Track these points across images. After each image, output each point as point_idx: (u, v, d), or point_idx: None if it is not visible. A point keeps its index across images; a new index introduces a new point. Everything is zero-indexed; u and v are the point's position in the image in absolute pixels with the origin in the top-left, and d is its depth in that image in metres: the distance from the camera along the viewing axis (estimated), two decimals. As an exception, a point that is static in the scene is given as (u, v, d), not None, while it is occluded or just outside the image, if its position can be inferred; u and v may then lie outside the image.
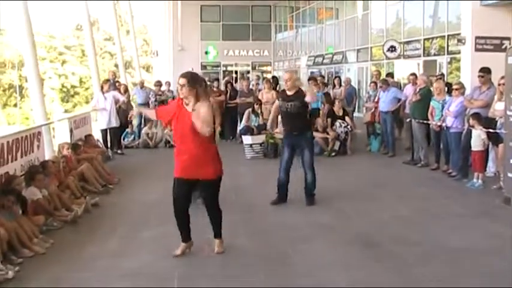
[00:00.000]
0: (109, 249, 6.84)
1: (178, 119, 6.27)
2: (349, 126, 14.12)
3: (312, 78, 17.64)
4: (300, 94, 8.72)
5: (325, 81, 20.89)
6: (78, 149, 11.29)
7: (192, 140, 6.18)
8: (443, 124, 11.10)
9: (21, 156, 8.71)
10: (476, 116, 10.13)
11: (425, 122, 11.86)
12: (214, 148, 6.39)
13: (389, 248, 6.73)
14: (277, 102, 9.18)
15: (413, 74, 14.83)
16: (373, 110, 14.67)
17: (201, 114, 6.04)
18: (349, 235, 7.28)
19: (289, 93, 8.69)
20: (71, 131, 12.70)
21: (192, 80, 6.23)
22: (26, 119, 51.70)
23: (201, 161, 6.22)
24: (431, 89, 12.19)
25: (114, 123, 14.33)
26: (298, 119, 8.66)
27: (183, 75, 6.25)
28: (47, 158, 9.93)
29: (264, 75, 39.42)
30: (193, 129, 6.10)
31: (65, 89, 63.58)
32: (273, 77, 23.65)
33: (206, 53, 41.73)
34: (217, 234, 6.63)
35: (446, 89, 11.96)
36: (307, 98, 8.53)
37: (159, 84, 18.34)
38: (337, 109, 14.48)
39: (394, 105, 13.64)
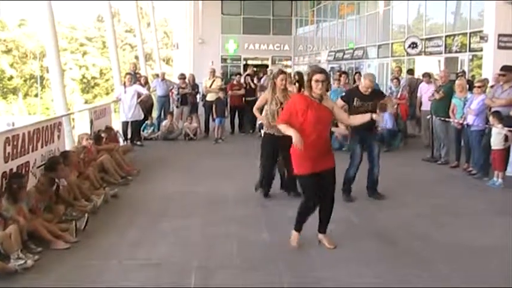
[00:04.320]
0: (128, 240, 6.86)
1: (316, 112, 6.16)
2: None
3: (343, 73, 17.23)
4: (376, 94, 9.09)
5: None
6: (101, 140, 11.33)
7: (326, 131, 6.43)
8: (465, 122, 11.00)
9: (42, 146, 8.72)
10: (497, 114, 10.05)
11: (447, 119, 11.75)
12: None
13: (410, 245, 6.69)
14: (340, 101, 8.89)
15: (427, 75, 14.80)
16: (395, 106, 14.62)
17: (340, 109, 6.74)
18: (370, 231, 7.26)
19: (365, 92, 8.84)
20: (91, 122, 12.76)
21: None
22: (47, 109, 52.23)
23: (327, 151, 6.42)
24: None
25: (137, 116, 14.46)
26: None
27: (322, 71, 6.27)
28: (67, 148, 9.97)
29: (284, 69, 39.35)
30: (329, 122, 6.42)
31: (85, 80, 64.12)
32: (298, 72, 23.42)
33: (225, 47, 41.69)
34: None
35: (467, 86, 11.86)
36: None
37: (182, 77, 18.23)
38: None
39: None
